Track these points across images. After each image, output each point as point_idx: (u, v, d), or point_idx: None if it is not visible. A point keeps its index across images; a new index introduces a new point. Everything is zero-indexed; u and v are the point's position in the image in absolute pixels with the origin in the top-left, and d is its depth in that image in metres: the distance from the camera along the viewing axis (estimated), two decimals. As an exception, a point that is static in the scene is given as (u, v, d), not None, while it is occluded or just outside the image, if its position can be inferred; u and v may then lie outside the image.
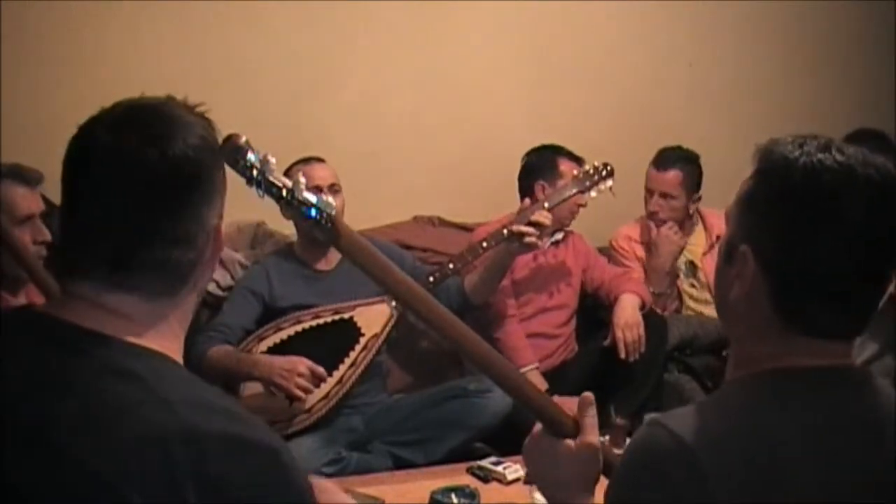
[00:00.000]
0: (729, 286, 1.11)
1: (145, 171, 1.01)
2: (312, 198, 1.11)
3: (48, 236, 2.30)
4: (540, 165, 3.29)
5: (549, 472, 1.24)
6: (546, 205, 2.99)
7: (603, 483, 1.19)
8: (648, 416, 2.64)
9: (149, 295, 1.03)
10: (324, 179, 2.94)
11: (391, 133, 3.63)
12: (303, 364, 2.69)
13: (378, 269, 1.18)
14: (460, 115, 3.72)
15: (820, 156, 1.06)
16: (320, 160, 3.00)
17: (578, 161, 3.23)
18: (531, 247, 2.93)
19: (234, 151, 1.08)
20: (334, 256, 3.05)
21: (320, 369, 2.71)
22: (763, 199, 1.08)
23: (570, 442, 1.21)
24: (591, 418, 1.23)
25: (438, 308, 1.20)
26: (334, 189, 2.95)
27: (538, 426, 1.25)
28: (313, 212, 1.11)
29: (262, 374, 2.73)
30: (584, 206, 3.23)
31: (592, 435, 1.21)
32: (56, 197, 1.07)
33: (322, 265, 3.05)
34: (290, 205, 1.11)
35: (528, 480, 1.27)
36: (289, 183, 1.10)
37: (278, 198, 1.10)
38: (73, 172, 1.05)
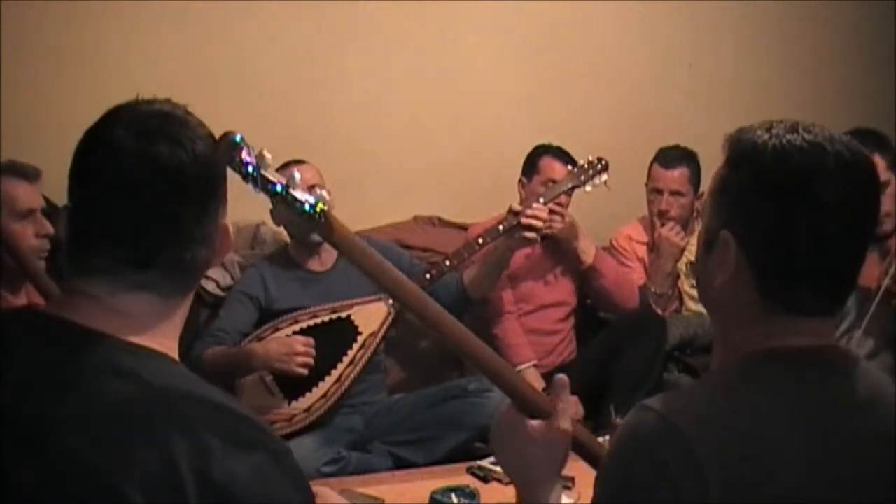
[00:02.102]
0: (711, 275, 1.12)
1: (176, 175, 1.04)
2: (306, 193, 1.12)
3: (51, 230, 2.31)
4: (524, 162, 3.31)
5: (516, 452, 1.21)
6: (541, 200, 3.00)
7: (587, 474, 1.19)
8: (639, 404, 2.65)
9: (163, 294, 1.06)
10: (304, 181, 2.91)
11: (391, 133, 3.63)
12: (297, 343, 2.72)
13: (371, 264, 1.19)
14: (460, 114, 3.72)
15: (788, 137, 1.07)
16: (300, 162, 2.95)
17: (567, 160, 3.21)
18: (528, 241, 2.94)
19: (230, 148, 1.09)
20: (329, 258, 3.05)
21: (311, 340, 2.74)
22: (736, 186, 1.10)
23: (540, 423, 1.19)
24: (565, 403, 1.21)
25: (431, 304, 1.21)
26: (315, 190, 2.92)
27: (508, 404, 1.22)
28: (307, 207, 1.12)
29: (260, 364, 2.73)
30: (559, 214, 3.17)
31: (565, 420, 1.20)
32: (55, 195, 1.07)
33: (317, 266, 3.05)
34: (286, 200, 1.12)
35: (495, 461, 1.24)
36: (283, 179, 1.12)
37: (273, 193, 1.11)
38: (91, 173, 1.06)
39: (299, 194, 1.12)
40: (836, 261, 1.07)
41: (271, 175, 1.11)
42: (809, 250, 1.05)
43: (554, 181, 3.15)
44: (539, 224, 2.92)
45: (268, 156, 1.11)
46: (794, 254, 1.06)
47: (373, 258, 1.19)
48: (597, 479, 1.09)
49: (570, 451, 1.22)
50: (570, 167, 3.14)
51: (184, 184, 1.05)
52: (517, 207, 2.96)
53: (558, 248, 3.31)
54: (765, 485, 0.99)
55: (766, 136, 1.08)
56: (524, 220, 2.90)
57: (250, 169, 1.09)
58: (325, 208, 1.14)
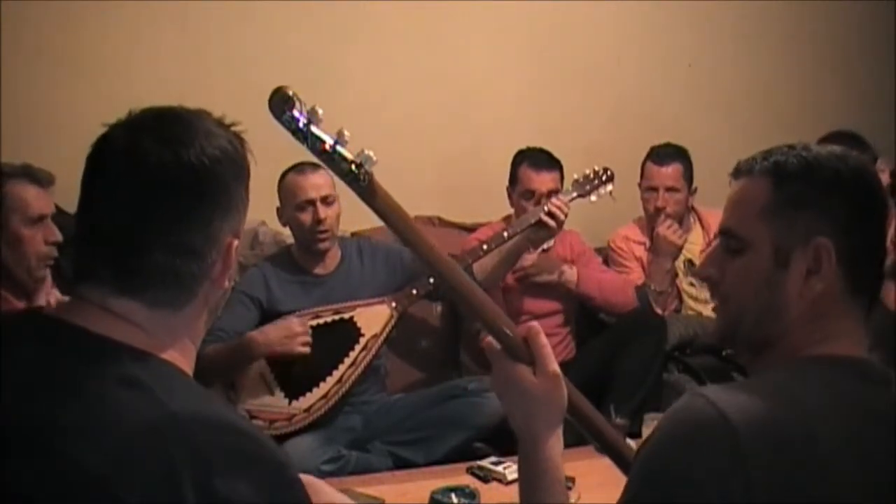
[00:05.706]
0: (782, 287, 1.12)
1: (156, 173, 1.00)
2: (353, 154, 1.11)
3: (60, 237, 2.29)
4: (510, 170, 3.34)
5: (514, 402, 1.21)
6: (561, 197, 3.07)
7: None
8: (649, 415, 2.63)
9: (151, 303, 1.02)
10: (317, 190, 2.88)
11: (391, 133, 3.62)
12: (295, 324, 2.77)
13: (408, 232, 1.18)
14: (460, 114, 3.73)
15: (828, 148, 1.16)
16: (315, 166, 2.87)
17: (545, 165, 3.24)
18: (549, 231, 3.04)
19: (281, 102, 1.07)
20: (332, 261, 3.05)
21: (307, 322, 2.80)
22: (814, 193, 1.12)
23: (529, 370, 1.19)
24: (545, 347, 1.20)
25: (466, 280, 1.20)
26: (328, 201, 2.89)
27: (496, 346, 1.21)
28: (354, 167, 1.11)
29: (261, 350, 2.74)
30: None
31: (552, 364, 1.20)
32: (59, 198, 1.07)
33: (320, 270, 3.04)
34: (332, 160, 1.10)
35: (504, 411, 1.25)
36: (330, 140, 1.10)
37: (320, 152, 1.09)
38: (90, 173, 1.04)
39: (347, 153, 1.10)
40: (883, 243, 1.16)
41: (320, 132, 1.09)
42: (882, 233, 1.15)
43: (532, 192, 3.18)
44: (561, 215, 3.01)
45: (320, 111, 1.09)
46: (876, 237, 1.15)
47: (412, 227, 1.18)
48: (637, 458, 1.07)
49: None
50: (552, 174, 3.19)
51: (162, 183, 1.00)
52: (544, 202, 3.07)
53: (554, 253, 3.34)
54: (811, 489, 0.99)
55: (806, 149, 1.15)
56: (549, 208, 3.00)
57: (300, 125, 1.07)
58: (370, 171, 1.12)
